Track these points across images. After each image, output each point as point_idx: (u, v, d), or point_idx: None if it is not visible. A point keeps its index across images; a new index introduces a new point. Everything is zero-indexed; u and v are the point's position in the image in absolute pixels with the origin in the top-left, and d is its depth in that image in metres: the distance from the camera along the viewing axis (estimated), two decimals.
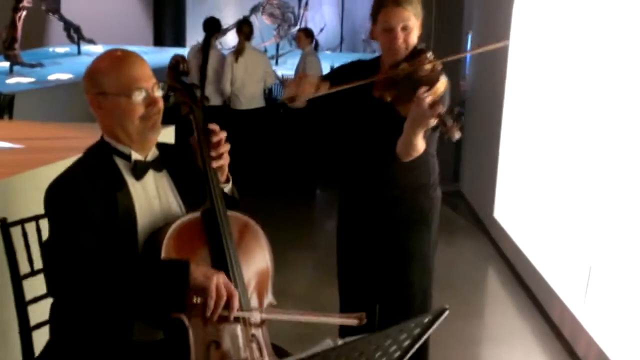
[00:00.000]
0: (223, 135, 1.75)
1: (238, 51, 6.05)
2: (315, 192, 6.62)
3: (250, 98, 6.11)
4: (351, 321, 1.66)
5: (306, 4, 14.18)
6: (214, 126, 1.74)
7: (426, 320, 1.26)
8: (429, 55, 2.04)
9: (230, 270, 1.62)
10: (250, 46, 6.14)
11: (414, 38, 2.12)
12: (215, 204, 1.67)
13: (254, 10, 13.11)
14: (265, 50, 13.89)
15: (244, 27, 6.20)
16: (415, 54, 2.08)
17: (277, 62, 13.74)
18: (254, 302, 1.70)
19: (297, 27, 13.75)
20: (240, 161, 1.92)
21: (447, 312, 1.26)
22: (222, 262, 1.63)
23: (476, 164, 5.87)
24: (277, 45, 13.58)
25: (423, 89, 1.94)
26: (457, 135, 1.86)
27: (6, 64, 8.24)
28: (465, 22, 6.57)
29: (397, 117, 2.07)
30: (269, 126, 6.34)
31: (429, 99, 1.92)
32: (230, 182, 1.82)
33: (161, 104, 1.69)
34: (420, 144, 2.07)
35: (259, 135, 6.18)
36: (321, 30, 13.68)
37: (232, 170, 1.81)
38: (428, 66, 2.01)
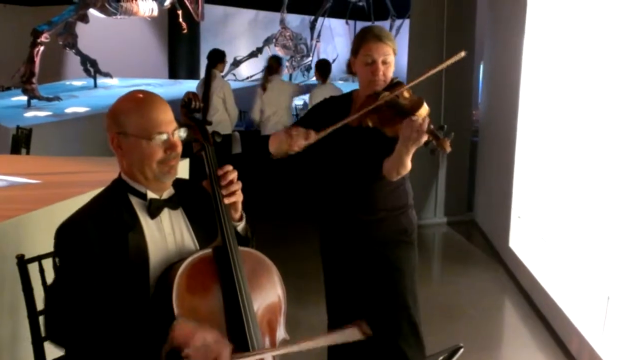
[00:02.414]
0: (234, 174, 1.76)
1: (262, 83, 6.56)
2: None
3: (272, 126, 6.40)
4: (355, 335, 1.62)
5: (318, 35, 14.34)
6: (226, 167, 1.75)
7: (441, 358, 1.26)
8: (406, 86, 2.24)
9: (242, 306, 1.62)
10: (278, 78, 6.55)
11: (391, 72, 2.31)
12: (227, 241, 1.68)
13: (267, 42, 13.28)
14: None
15: (269, 61, 6.69)
16: (393, 85, 2.27)
17: None
18: (266, 337, 1.70)
19: (310, 58, 13.91)
20: (266, 189, 2.00)
21: (462, 350, 1.26)
22: (233, 298, 1.63)
23: (490, 193, 5.85)
24: (290, 76, 13.71)
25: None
26: (448, 148, 2.03)
27: (24, 98, 8.39)
28: (477, 52, 6.61)
29: (377, 141, 2.23)
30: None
31: (420, 119, 2.07)
32: (244, 221, 1.83)
33: (180, 149, 1.70)
34: (409, 163, 2.20)
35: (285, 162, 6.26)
36: (333, 60, 13.80)
37: (260, 198, 1.83)
38: (407, 94, 2.20)
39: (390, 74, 2.30)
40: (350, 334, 1.61)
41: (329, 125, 2.20)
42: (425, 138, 2.06)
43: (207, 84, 6.24)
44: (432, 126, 2.06)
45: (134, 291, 1.63)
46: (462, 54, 2.25)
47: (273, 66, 6.58)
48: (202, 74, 13.55)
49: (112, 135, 1.69)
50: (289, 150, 2.21)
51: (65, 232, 1.63)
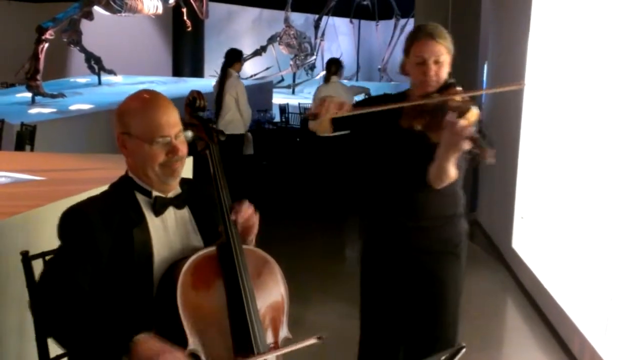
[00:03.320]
0: (246, 208, 1.75)
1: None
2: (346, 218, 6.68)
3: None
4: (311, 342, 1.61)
5: (322, 34, 14.35)
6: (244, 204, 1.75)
7: (443, 358, 1.26)
8: (459, 88, 2.08)
9: (245, 304, 1.63)
10: (336, 80, 6.41)
11: (444, 72, 2.16)
12: (231, 239, 1.68)
13: (271, 40, 13.30)
14: (282, 79, 14.05)
15: (331, 65, 6.59)
16: (446, 87, 2.11)
17: (293, 92, 13.88)
18: (269, 336, 1.71)
19: (314, 57, 13.91)
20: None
21: (464, 350, 1.26)
22: (237, 296, 1.63)
23: (493, 193, 5.85)
24: (294, 75, 13.73)
25: (453, 114, 1.97)
26: (489, 158, 1.88)
27: (28, 95, 8.41)
28: (481, 52, 6.61)
29: (426, 145, 2.09)
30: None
31: (461, 123, 1.93)
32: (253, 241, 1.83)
33: (183, 152, 1.69)
34: (452, 171, 2.07)
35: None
36: None
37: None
38: (458, 97, 2.05)
39: (444, 75, 2.15)
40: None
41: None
42: (465, 145, 1.93)
43: (221, 83, 6.25)
44: (475, 134, 1.92)
45: (137, 286, 1.63)
46: (523, 84, 2.15)
47: (331, 69, 6.55)
48: (206, 72, 13.57)
49: (118, 134, 1.70)
50: (316, 115, 2.08)
51: (68, 218, 1.64)
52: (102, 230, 1.61)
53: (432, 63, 2.12)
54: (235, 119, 6.25)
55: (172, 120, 1.67)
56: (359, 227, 2.49)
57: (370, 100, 2.37)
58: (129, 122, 1.67)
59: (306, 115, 2.26)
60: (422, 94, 2.13)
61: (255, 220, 1.79)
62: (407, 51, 2.20)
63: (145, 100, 1.69)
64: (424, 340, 2.29)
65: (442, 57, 2.14)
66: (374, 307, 2.38)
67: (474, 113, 2.02)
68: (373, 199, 2.36)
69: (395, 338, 2.36)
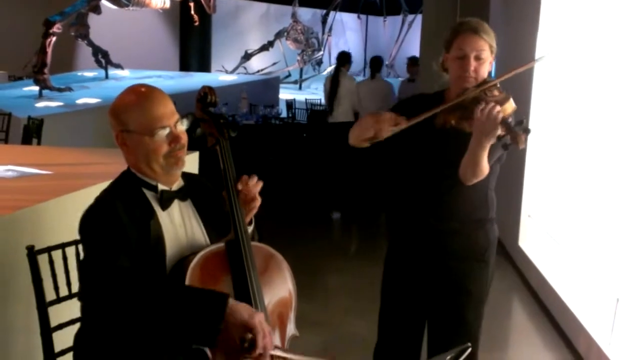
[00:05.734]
0: (253, 181, 1.75)
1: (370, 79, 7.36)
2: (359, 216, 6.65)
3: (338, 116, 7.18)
4: None
5: (330, 29, 14.32)
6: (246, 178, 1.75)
7: (449, 357, 1.26)
8: (497, 84, 2.03)
9: (253, 301, 1.63)
10: (379, 76, 7.28)
11: (484, 70, 2.08)
12: (240, 235, 1.68)
13: (279, 35, 13.30)
14: (289, 75, 14.05)
15: (373, 62, 7.41)
16: (483, 84, 2.04)
17: (300, 87, 13.86)
18: (276, 333, 1.71)
19: (321, 52, 13.88)
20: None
21: (469, 350, 1.26)
22: (244, 293, 1.63)
23: (500, 191, 5.82)
24: (301, 70, 13.71)
25: (488, 104, 1.92)
26: (522, 143, 1.84)
27: (36, 88, 8.43)
28: None
29: (459, 143, 2.02)
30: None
31: (495, 109, 1.88)
32: (253, 225, 1.82)
33: (184, 140, 1.70)
34: (485, 163, 1.99)
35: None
36: None
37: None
38: (496, 92, 2.00)
39: (484, 73, 2.07)
40: None
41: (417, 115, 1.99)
42: (498, 130, 1.87)
43: (334, 79, 7.15)
44: (509, 120, 1.87)
45: (154, 278, 1.62)
46: (545, 56, 2.05)
47: (379, 66, 7.25)
48: (213, 67, 13.59)
49: (116, 133, 1.69)
50: (374, 137, 1.99)
51: (96, 212, 1.62)
52: (128, 220, 1.61)
53: (472, 58, 2.05)
54: (345, 109, 7.12)
55: (169, 110, 1.68)
56: (387, 227, 2.40)
57: (407, 102, 2.28)
58: (126, 118, 1.66)
59: (367, 139, 2.08)
60: (459, 91, 2.05)
61: (257, 197, 1.76)
62: (448, 45, 2.11)
63: (140, 94, 1.68)
64: (442, 347, 2.18)
65: (484, 53, 2.06)
66: (394, 308, 2.30)
67: (511, 105, 1.96)
68: (403, 199, 2.27)
69: (414, 341, 2.30)
